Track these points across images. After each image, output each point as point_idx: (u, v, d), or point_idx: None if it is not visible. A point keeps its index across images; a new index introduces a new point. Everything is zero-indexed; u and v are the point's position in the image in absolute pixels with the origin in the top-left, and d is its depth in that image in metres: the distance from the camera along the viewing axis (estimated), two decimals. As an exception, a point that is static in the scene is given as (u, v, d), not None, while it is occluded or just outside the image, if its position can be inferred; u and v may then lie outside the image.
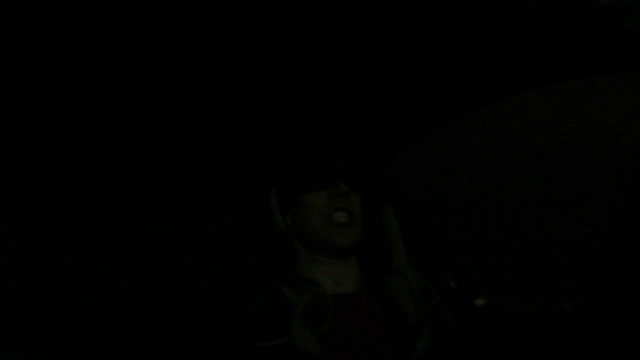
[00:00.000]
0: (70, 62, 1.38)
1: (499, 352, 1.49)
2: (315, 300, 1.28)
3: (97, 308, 2.16)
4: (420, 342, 1.26)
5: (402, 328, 1.31)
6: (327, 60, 1.46)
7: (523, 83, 1.61)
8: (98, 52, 1.34)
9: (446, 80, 1.61)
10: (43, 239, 2.19)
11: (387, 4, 1.24)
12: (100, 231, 2.22)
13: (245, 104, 1.63)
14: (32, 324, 2.07)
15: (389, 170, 2.02)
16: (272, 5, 1.21)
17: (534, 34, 1.36)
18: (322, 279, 1.33)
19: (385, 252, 1.39)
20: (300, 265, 1.33)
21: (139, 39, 1.31)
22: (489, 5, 1.25)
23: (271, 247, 1.37)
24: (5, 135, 1.69)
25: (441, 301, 1.37)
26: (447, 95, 1.70)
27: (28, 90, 1.49)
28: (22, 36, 1.26)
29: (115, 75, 1.45)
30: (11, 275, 2.14)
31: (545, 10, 1.25)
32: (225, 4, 1.20)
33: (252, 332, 1.25)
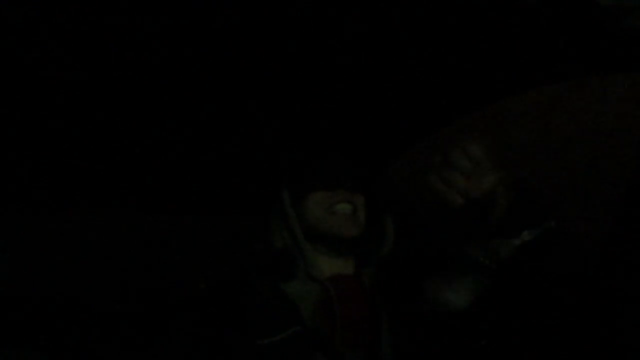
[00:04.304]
0: (72, 62, 1.38)
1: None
2: (319, 290, 1.37)
3: (96, 308, 2.16)
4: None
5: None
6: (327, 63, 1.47)
7: (523, 83, 1.62)
8: (101, 52, 1.34)
9: (446, 80, 1.62)
10: (42, 238, 2.19)
11: (389, 4, 1.25)
12: (100, 231, 2.23)
13: (246, 107, 1.64)
14: (32, 324, 2.07)
15: (388, 172, 2.02)
16: (279, 5, 1.21)
17: (535, 34, 1.36)
18: (323, 267, 1.42)
19: (377, 248, 1.49)
20: (304, 259, 1.42)
21: (144, 40, 1.31)
22: (490, 5, 1.26)
23: (276, 244, 1.44)
24: (5, 135, 1.69)
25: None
26: (446, 96, 1.70)
27: (28, 89, 1.49)
28: (26, 37, 1.26)
29: (114, 73, 1.45)
30: (11, 275, 2.14)
31: (545, 10, 1.25)
32: (232, 3, 1.20)
33: (252, 330, 1.30)
